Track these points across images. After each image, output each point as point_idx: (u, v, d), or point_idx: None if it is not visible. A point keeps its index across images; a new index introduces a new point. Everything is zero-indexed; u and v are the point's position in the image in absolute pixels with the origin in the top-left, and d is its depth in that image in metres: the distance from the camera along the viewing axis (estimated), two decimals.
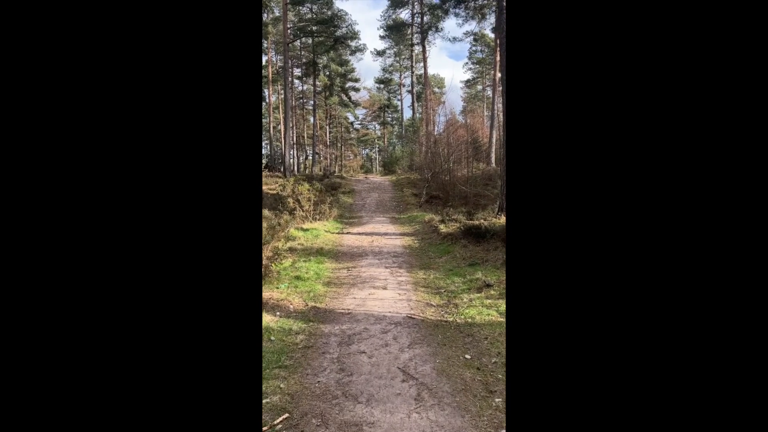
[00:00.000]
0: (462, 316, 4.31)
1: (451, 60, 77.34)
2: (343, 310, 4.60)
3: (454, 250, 7.37)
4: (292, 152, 23.42)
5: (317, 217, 11.13)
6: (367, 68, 78.13)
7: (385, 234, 9.74)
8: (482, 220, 8.09)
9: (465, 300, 4.83)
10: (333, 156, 36.52)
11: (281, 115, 20.91)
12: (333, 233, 9.87)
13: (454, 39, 29.51)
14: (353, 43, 22.87)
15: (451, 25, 73.81)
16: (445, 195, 15.49)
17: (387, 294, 5.19)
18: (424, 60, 23.65)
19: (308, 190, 11.19)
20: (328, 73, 27.38)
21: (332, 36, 21.49)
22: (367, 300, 4.96)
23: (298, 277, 5.93)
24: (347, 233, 9.98)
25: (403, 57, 33.72)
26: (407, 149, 21.25)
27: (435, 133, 17.52)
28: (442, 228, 8.68)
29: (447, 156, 15.65)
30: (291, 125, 20.81)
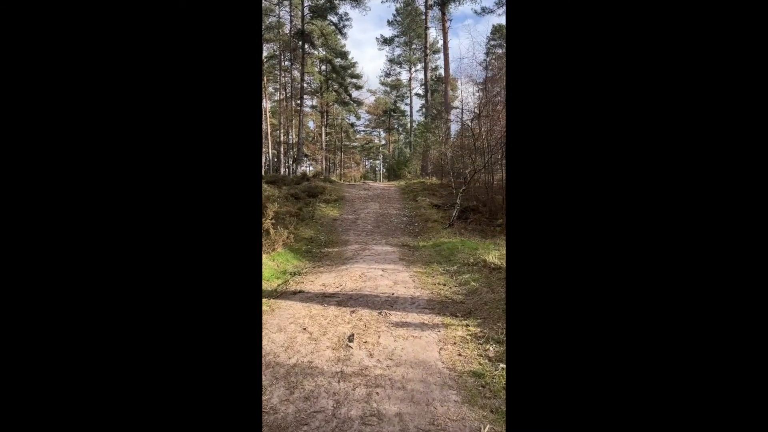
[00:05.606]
0: None
1: (456, 75, 71.69)
2: None
3: None
4: (273, 149, 17.73)
5: None
6: (367, 80, 72.47)
7: (392, 299, 3.76)
8: None
9: None
10: (331, 163, 30.99)
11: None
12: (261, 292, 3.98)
13: (483, 10, 22.93)
14: None
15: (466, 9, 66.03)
16: (490, 206, 9.65)
17: None
18: (444, 32, 18.01)
19: None
20: (322, 51, 21.55)
21: None
22: None
23: None
24: (300, 291, 4.05)
25: (414, 47, 28.44)
26: (421, 139, 15.37)
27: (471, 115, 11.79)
28: None
29: (489, 149, 9.87)
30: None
